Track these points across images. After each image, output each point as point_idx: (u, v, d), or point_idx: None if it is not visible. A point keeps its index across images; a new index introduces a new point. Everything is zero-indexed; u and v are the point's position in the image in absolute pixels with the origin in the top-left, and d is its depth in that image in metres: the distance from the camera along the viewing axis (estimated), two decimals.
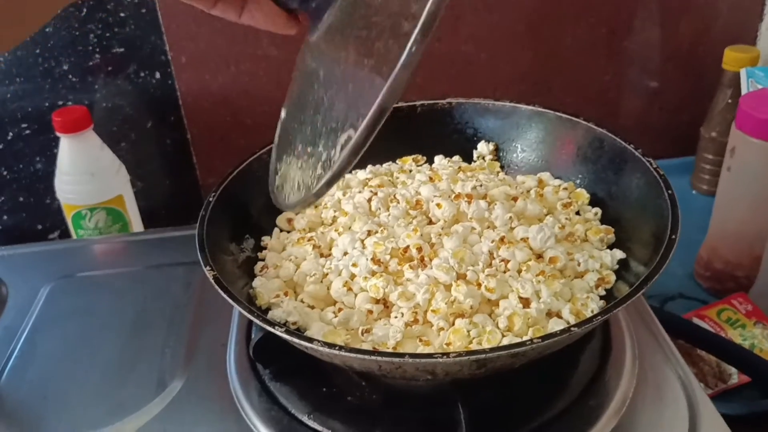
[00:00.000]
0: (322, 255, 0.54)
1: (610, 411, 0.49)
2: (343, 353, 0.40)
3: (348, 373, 0.52)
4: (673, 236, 0.46)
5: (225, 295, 0.45)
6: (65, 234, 0.94)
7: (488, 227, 0.54)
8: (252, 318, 0.43)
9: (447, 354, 0.38)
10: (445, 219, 0.53)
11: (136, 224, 0.86)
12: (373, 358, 0.39)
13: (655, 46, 0.96)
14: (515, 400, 0.49)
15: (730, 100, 0.89)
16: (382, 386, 0.51)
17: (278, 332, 0.42)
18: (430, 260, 0.50)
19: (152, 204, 0.94)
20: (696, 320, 0.72)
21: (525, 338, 0.45)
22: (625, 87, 0.99)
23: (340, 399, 0.51)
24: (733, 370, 0.67)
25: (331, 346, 0.40)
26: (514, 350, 0.39)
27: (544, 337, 0.39)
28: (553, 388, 0.50)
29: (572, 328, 0.40)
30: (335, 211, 0.59)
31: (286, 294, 0.51)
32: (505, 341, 0.45)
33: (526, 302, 0.47)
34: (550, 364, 0.51)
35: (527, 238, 0.51)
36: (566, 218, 0.55)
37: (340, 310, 0.50)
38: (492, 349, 0.39)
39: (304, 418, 0.49)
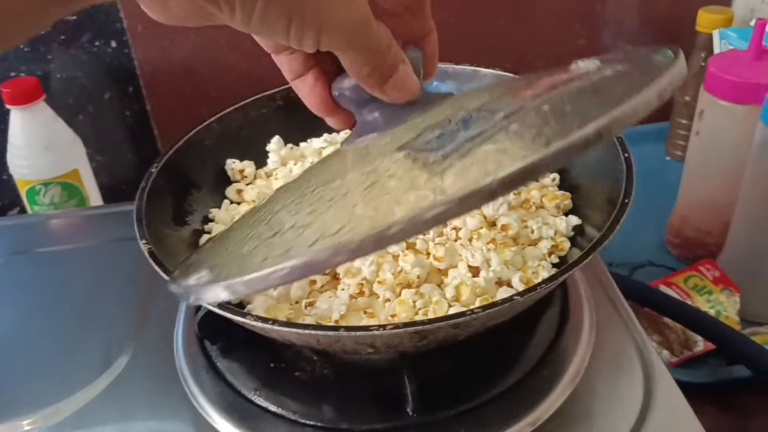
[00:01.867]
0: None
1: (564, 381, 0.47)
2: (276, 327, 0.38)
3: (298, 348, 0.51)
4: (626, 200, 0.44)
5: (159, 270, 0.43)
6: (25, 211, 0.92)
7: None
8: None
9: (384, 326, 0.37)
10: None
11: (95, 199, 0.83)
12: (308, 332, 0.38)
13: (630, 9, 0.94)
14: (467, 372, 0.48)
15: (703, 63, 0.87)
16: (333, 359, 0.50)
17: (212, 308, 0.40)
18: None
19: (113, 178, 0.91)
20: (663, 288, 0.70)
21: (473, 308, 0.43)
22: (600, 51, 0.96)
23: (289, 374, 0.49)
24: (698, 337, 0.66)
25: (265, 320, 0.38)
26: (454, 321, 0.37)
27: (485, 307, 0.38)
28: (507, 359, 0.49)
29: (515, 297, 0.38)
30: (285, 181, 0.56)
31: None
32: (452, 311, 0.43)
33: (476, 271, 0.46)
34: (504, 334, 0.50)
35: None
36: None
37: None
38: (430, 320, 0.37)
39: (251, 395, 0.48)
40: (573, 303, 0.54)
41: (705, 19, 0.85)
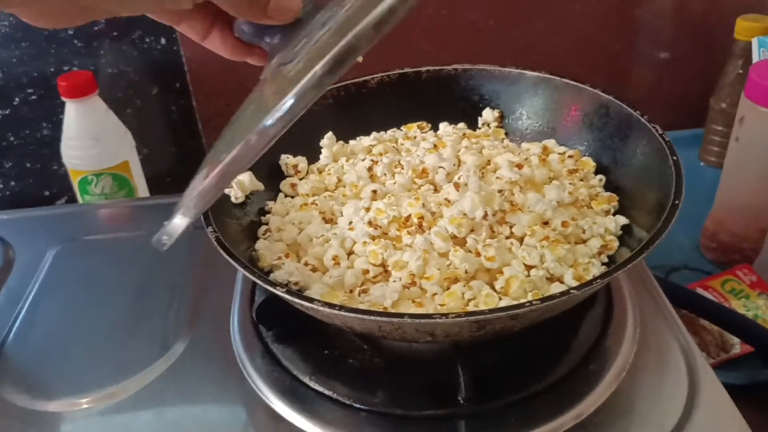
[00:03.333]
0: (326, 221, 0.55)
1: (609, 376, 0.49)
2: (342, 313, 0.40)
3: (350, 336, 0.52)
4: (677, 202, 0.46)
5: (227, 256, 0.45)
6: (72, 200, 0.95)
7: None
8: (254, 278, 0.43)
9: (446, 315, 0.39)
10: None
11: (142, 190, 0.86)
12: (372, 318, 0.39)
13: (666, 15, 0.95)
14: (516, 364, 0.49)
15: (740, 71, 0.88)
16: (384, 349, 0.52)
17: (279, 292, 0.42)
18: (429, 228, 0.50)
19: (157, 171, 0.94)
20: (700, 290, 0.71)
21: (523, 301, 0.45)
22: (635, 57, 0.97)
23: (342, 361, 0.51)
24: (735, 339, 0.67)
25: (332, 306, 0.40)
26: (514, 311, 0.39)
27: (543, 299, 0.39)
28: (555, 353, 0.51)
29: (572, 291, 0.40)
30: (338, 177, 0.58)
31: (287, 256, 0.51)
32: (502, 304, 0.45)
33: (529, 269, 0.47)
34: (552, 330, 0.51)
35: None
36: (570, 183, 0.54)
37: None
38: (491, 310, 0.39)
39: (306, 380, 0.50)
40: (617, 301, 0.55)
41: (743, 26, 0.86)
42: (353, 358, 0.51)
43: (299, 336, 0.53)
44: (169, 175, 0.96)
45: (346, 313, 0.40)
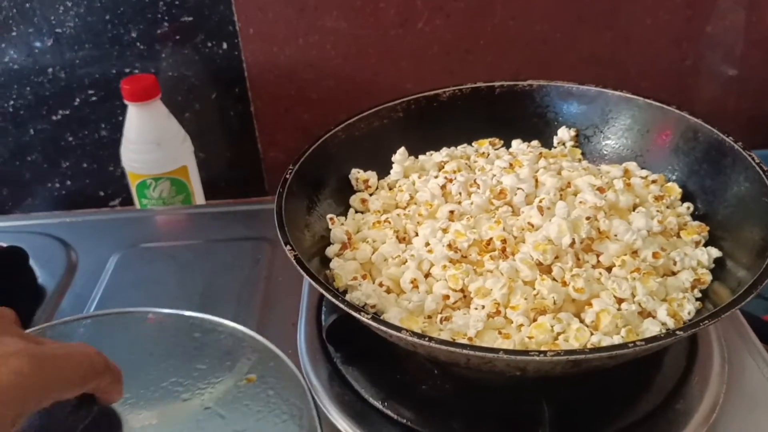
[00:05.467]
0: (400, 240, 0.53)
1: (698, 417, 0.46)
2: (432, 345, 0.38)
3: (420, 360, 0.51)
4: None
5: (307, 277, 0.44)
6: (126, 201, 0.95)
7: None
8: (337, 302, 0.42)
9: (544, 352, 0.37)
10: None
11: (199, 196, 0.85)
12: (465, 352, 0.38)
13: (739, 31, 0.91)
14: (598, 401, 0.47)
15: None
16: (456, 376, 0.50)
17: (364, 319, 0.40)
18: (513, 255, 0.48)
19: (213, 175, 0.93)
20: None
21: (616, 337, 0.43)
22: (705, 73, 0.94)
23: (414, 387, 0.50)
24: None
25: (421, 336, 0.39)
26: (615, 352, 0.37)
27: (647, 340, 0.37)
28: (638, 390, 0.48)
29: (677, 332, 0.38)
30: (410, 195, 0.57)
31: (364, 277, 0.49)
32: (594, 339, 0.43)
33: (620, 301, 0.45)
34: (635, 364, 0.49)
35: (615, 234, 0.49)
36: (658, 211, 0.52)
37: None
38: (592, 350, 0.37)
39: (379, 405, 0.48)
40: (700, 335, 0.52)
41: None
42: (425, 384, 0.50)
43: (368, 358, 0.52)
44: (224, 179, 0.95)
45: (437, 345, 0.38)
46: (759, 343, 0.54)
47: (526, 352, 0.37)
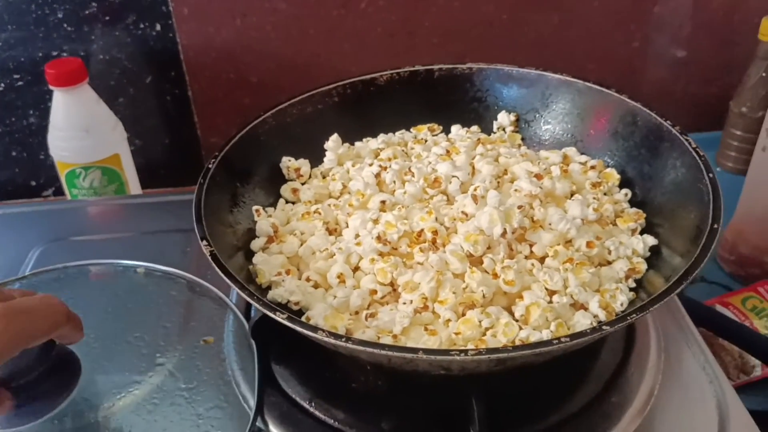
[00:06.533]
0: (330, 232, 0.51)
1: (633, 409, 0.45)
2: (350, 345, 0.36)
3: (350, 357, 0.49)
4: (716, 225, 0.42)
5: (223, 275, 0.41)
6: (60, 191, 0.91)
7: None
8: (251, 301, 0.40)
9: (465, 351, 0.35)
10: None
11: (133, 184, 0.82)
12: (383, 352, 0.36)
13: (687, 13, 0.90)
14: (532, 395, 0.46)
15: (764, 74, 0.84)
16: (389, 373, 0.48)
17: (280, 319, 0.38)
18: (444, 246, 0.46)
19: (151, 162, 0.90)
20: (719, 307, 0.68)
21: (546, 332, 0.41)
22: (653, 55, 0.93)
23: (345, 385, 0.48)
24: (756, 361, 0.63)
25: (338, 336, 0.36)
26: (539, 350, 0.35)
27: (572, 336, 0.36)
28: (573, 382, 0.47)
29: (604, 327, 0.36)
30: (343, 183, 0.54)
31: (288, 272, 0.47)
32: (522, 334, 0.41)
33: (551, 294, 0.44)
34: (569, 356, 0.48)
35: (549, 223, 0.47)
36: (594, 198, 0.51)
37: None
38: (515, 348, 0.35)
39: (306, 405, 0.46)
40: (638, 323, 0.51)
41: None
42: (356, 382, 0.48)
43: (298, 356, 0.49)
44: (163, 166, 0.92)
45: (354, 346, 0.36)
46: (696, 331, 0.53)
47: (446, 352, 0.35)
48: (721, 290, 0.73)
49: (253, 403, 0.46)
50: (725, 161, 0.92)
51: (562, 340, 0.35)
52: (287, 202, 0.56)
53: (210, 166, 0.51)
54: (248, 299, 0.40)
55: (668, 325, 0.53)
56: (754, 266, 0.73)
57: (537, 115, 0.61)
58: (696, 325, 0.63)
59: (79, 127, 0.75)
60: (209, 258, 0.42)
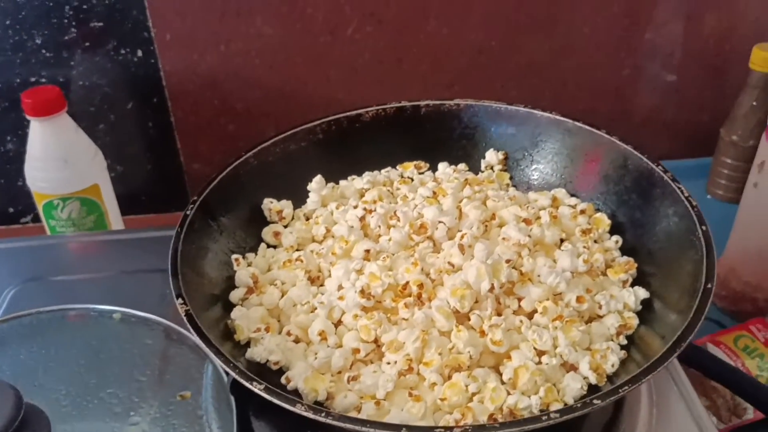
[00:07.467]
0: (312, 281, 0.49)
1: None
2: (329, 421, 0.34)
3: None
4: (709, 285, 0.41)
5: (198, 338, 0.39)
6: (38, 218, 0.88)
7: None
8: (228, 369, 0.38)
9: (450, 429, 0.33)
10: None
11: (113, 214, 0.80)
12: (366, 429, 0.34)
13: (678, 41, 0.90)
14: None
15: (755, 103, 0.83)
16: None
17: (257, 390, 0.36)
18: (429, 300, 0.44)
19: (132, 189, 0.88)
20: (710, 346, 0.67)
21: (534, 398, 0.40)
22: (644, 83, 0.92)
23: None
24: (748, 404, 0.62)
25: (317, 411, 0.35)
26: (529, 426, 0.34)
27: (563, 411, 0.34)
28: None
29: (595, 401, 0.35)
30: (327, 228, 0.53)
31: (267, 329, 0.45)
32: (510, 400, 0.39)
33: (540, 354, 0.42)
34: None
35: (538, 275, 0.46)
36: (584, 247, 0.49)
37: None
38: (503, 425, 0.34)
39: None
40: None
41: (760, 57, 0.81)
42: None
43: (278, 410, 0.47)
44: (145, 193, 0.90)
45: (334, 422, 0.34)
46: (686, 380, 0.52)
47: (430, 429, 0.34)
48: (712, 326, 0.72)
49: None
50: (716, 189, 0.91)
51: (552, 416, 0.34)
52: (268, 246, 0.54)
53: (188, 212, 0.49)
54: (224, 366, 0.38)
55: (660, 375, 0.51)
56: (746, 302, 0.72)
57: (526, 154, 0.59)
58: (687, 366, 0.62)
59: (57, 158, 0.73)
60: (184, 318, 0.41)
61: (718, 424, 0.62)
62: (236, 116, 0.86)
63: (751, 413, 0.62)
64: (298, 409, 0.35)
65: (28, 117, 0.71)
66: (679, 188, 0.48)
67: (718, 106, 0.90)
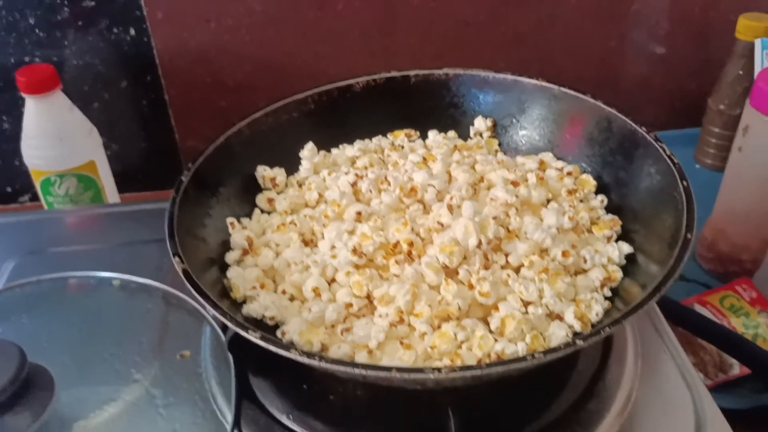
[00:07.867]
0: (306, 243, 0.50)
1: (611, 416, 0.46)
2: (323, 364, 0.36)
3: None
4: (689, 235, 0.42)
5: (195, 292, 0.41)
6: (37, 197, 0.89)
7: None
8: (225, 320, 0.39)
9: (438, 369, 0.35)
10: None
11: (110, 190, 0.81)
12: (357, 371, 0.35)
13: (664, 10, 0.91)
14: (509, 405, 0.46)
15: (741, 72, 0.84)
16: (367, 386, 0.48)
17: (252, 338, 0.38)
18: (419, 258, 0.46)
19: (128, 167, 0.89)
20: (697, 306, 0.69)
21: (521, 344, 0.41)
22: (630, 52, 0.93)
23: (323, 398, 0.47)
24: (734, 360, 0.64)
25: (311, 355, 0.36)
26: (514, 366, 0.35)
27: (547, 352, 0.36)
28: (550, 391, 0.47)
29: (578, 341, 0.36)
30: (319, 193, 0.54)
31: (262, 286, 0.47)
32: (498, 347, 0.41)
33: (526, 305, 0.43)
34: (546, 366, 0.48)
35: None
36: (570, 206, 0.51)
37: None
38: (489, 365, 0.35)
39: (283, 419, 0.46)
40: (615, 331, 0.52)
41: (745, 26, 0.82)
42: (334, 394, 0.48)
43: (277, 368, 0.49)
44: (140, 171, 0.91)
45: (328, 365, 0.36)
46: (672, 335, 0.53)
47: (420, 370, 0.35)
48: (700, 288, 0.73)
49: (230, 417, 0.46)
50: (704, 158, 0.92)
51: (536, 356, 0.35)
52: (263, 212, 0.55)
53: (183, 179, 0.50)
54: (221, 318, 0.39)
55: (645, 329, 0.53)
56: (733, 264, 0.74)
57: (513, 121, 0.60)
58: (674, 325, 0.63)
59: (53, 135, 0.74)
60: (182, 275, 0.42)
61: (705, 380, 0.63)
62: (228, 92, 0.87)
63: (737, 369, 0.64)
64: (293, 355, 0.36)
65: (23, 95, 0.72)
66: (661, 147, 0.49)
67: (705, 75, 0.91)
